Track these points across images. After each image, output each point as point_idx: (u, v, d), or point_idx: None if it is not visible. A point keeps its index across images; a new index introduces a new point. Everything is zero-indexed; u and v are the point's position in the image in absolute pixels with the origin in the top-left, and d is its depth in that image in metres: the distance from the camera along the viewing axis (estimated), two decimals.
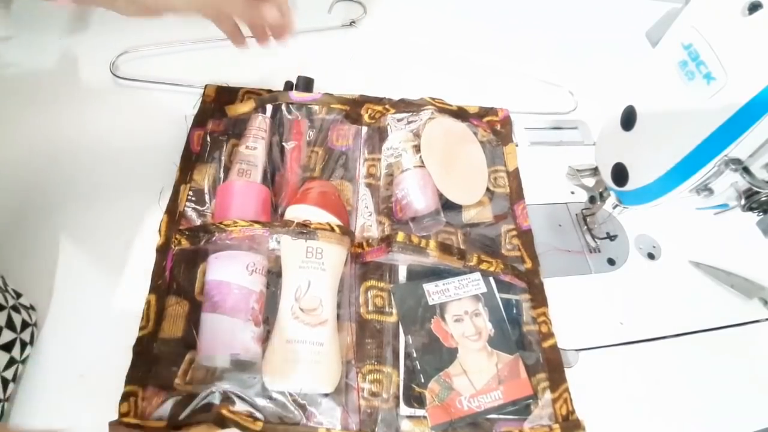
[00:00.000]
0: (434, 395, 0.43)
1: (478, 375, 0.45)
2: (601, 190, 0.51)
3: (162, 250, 0.47)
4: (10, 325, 0.40)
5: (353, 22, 0.73)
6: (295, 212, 0.48)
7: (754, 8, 0.32)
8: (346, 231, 0.47)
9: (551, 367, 0.46)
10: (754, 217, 0.41)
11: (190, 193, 0.52)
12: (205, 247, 0.46)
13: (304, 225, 0.45)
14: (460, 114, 0.61)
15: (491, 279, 0.50)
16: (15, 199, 0.51)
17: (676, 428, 0.46)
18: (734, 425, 0.46)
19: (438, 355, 0.45)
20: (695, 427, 0.46)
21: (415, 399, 0.44)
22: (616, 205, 0.49)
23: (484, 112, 0.62)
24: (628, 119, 0.42)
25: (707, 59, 0.34)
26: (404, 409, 0.43)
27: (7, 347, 0.39)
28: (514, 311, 0.49)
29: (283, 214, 0.49)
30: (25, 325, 0.41)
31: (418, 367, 0.45)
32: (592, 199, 0.53)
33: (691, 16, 0.36)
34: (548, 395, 0.45)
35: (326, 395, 0.42)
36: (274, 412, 0.41)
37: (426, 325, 0.47)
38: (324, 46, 0.70)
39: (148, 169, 0.54)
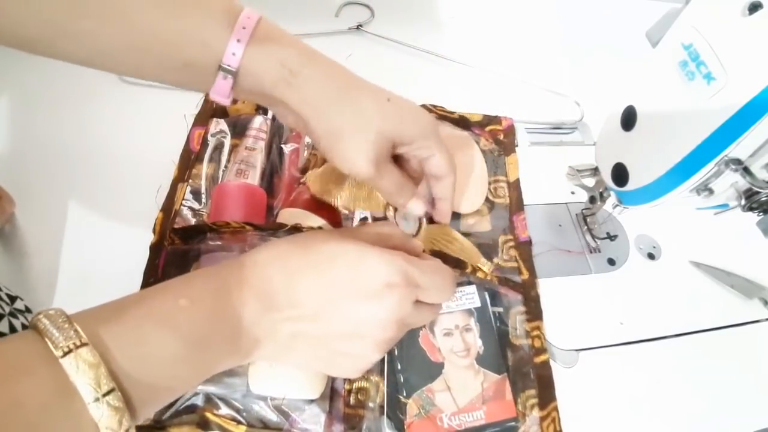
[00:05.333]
0: (415, 410, 0.42)
1: (463, 393, 0.44)
2: (601, 190, 0.51)
3: (155, 248, 0.47)
4: (14, 331, 0.39)
5: (360, 25, 0.72)
6: (288, 215, 0.47)
7: (754, 8, 0.32)
8: None
9: (542, 384, 0.45)
10: (754, 217, 0.41)
11: (188, 191, 0.51)
12: (197, 247, 0.46)
13: (295, 228, 0.44)
14: (462, 122, 0.60)
15: (486, 293, 0.49)
16: (15, 197, 0.51)
17: (676, 428, 0.46)
18: (734, 425, 0.46)
19: (423, 369, 0.44)
20: (695, 427, 0.46)
21: (399, 410, 0.43)
22: (617, 205, 0.49)
23: (487, 120, 0.61)
24: (628, 119, 0.42)
25: (707, 59, 0.34)
26: (388, 421, 0.42)
27: None
28: (500, 324, 0.48)
29: (277, 217, 0.49)
30: (25, 329, 0.41)
31: (401, 380, 0.44)
32: (592, 199, 0.53)
33: (691, 16, 0.36)
34: (536, 413, 0.44)
35: (311, 401, 0.41)
36: (257, 416, 0.41)
37: (414, 337, 0.46)
38: (330, 50, 0.69)
39: (148, 167, 0.54)
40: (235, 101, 0.51)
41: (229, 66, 0.30)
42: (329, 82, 0.33)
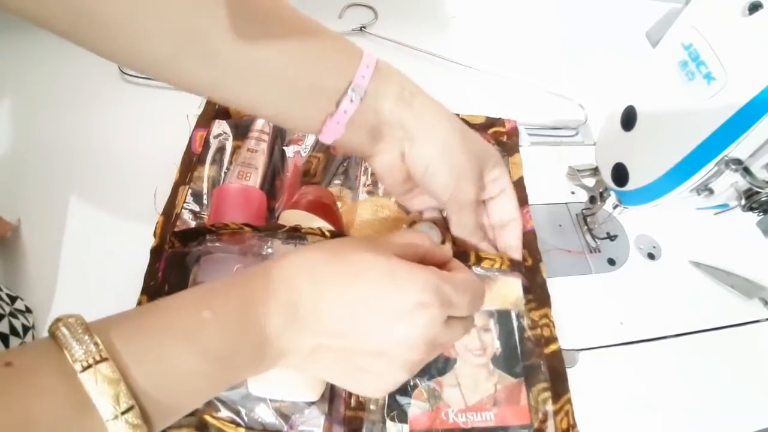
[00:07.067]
0: (420, 402, 0.42)
1: (473, 391, 0.42)
2: (601, 190, 0.51)
3: (156, 252, 0.46)
4: (14, 331, 0.40)
5: (363, 27, 0.72)
6: (288, 217, 0.47)
7: (754, 8, 0.32)
8: (337, 235, 0.46)
9: (553, 375, 0.43)
10: (754, 217, 0.41)
11: (189, 194, 0.51)
12: (197, 249, 0.46)
13: (294, 229, 0.44)
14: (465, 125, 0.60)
15: None
16: (15, 197, 0.51)
17: (676, 428, 0.46)
18: (734, 425, 0.46)
19: (432, 363, 0.43)
20: (695, 427, 0.46)
21: (401, 410, 0.42)
22: (617, 205, 0.49)
23: (490, 122, 0.60)
24: (629, 119, 0.42)
25: (707, 59, 0.34)
26: (390, 425, 0.42)
27: None
28: (519, 323, 0.47)
29: (278, 219, 0.49)
30: (25, 329, 0.41)
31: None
32: (592, 199, 0.53)
33: (691, 16, 0.36)
34: (549, 407, 0.43)
35: (311, 404, 0.41)
36: (256, 419, 0.40)
37: None
38: None
39: (150, 169, 0.54)
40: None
41: (358, 86, 0.32)
42: (438, 106, 0.36)
